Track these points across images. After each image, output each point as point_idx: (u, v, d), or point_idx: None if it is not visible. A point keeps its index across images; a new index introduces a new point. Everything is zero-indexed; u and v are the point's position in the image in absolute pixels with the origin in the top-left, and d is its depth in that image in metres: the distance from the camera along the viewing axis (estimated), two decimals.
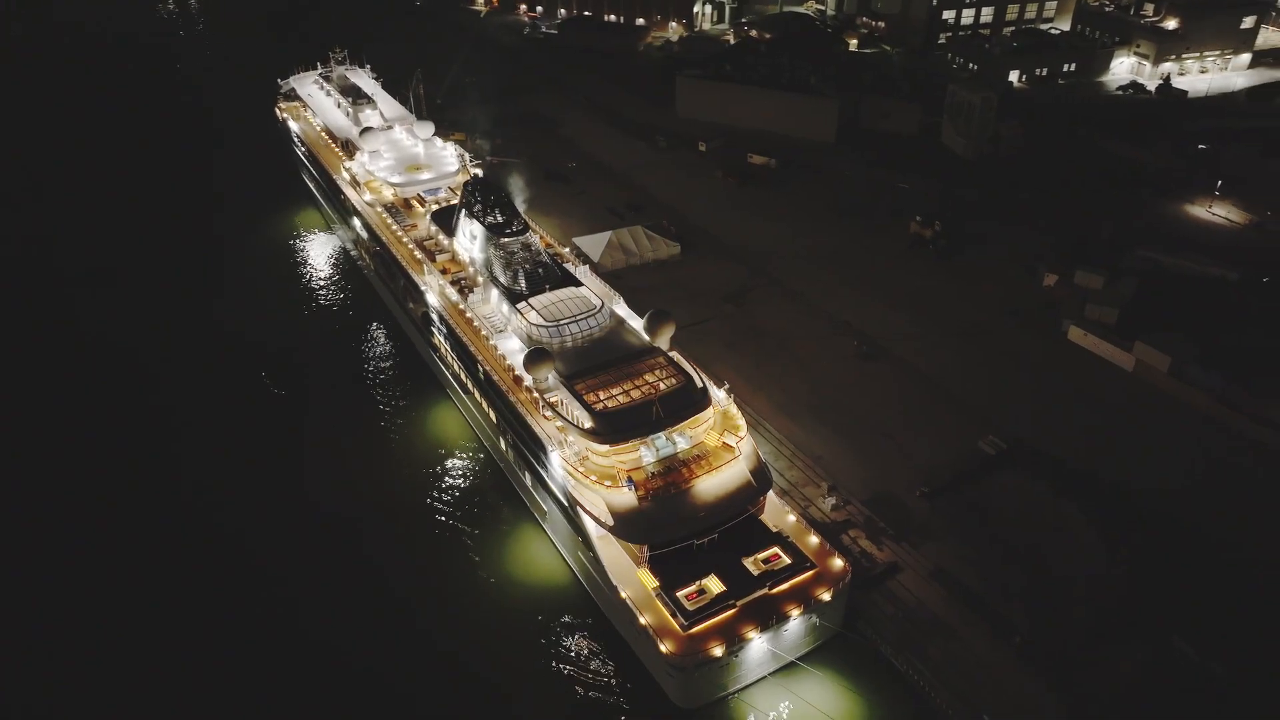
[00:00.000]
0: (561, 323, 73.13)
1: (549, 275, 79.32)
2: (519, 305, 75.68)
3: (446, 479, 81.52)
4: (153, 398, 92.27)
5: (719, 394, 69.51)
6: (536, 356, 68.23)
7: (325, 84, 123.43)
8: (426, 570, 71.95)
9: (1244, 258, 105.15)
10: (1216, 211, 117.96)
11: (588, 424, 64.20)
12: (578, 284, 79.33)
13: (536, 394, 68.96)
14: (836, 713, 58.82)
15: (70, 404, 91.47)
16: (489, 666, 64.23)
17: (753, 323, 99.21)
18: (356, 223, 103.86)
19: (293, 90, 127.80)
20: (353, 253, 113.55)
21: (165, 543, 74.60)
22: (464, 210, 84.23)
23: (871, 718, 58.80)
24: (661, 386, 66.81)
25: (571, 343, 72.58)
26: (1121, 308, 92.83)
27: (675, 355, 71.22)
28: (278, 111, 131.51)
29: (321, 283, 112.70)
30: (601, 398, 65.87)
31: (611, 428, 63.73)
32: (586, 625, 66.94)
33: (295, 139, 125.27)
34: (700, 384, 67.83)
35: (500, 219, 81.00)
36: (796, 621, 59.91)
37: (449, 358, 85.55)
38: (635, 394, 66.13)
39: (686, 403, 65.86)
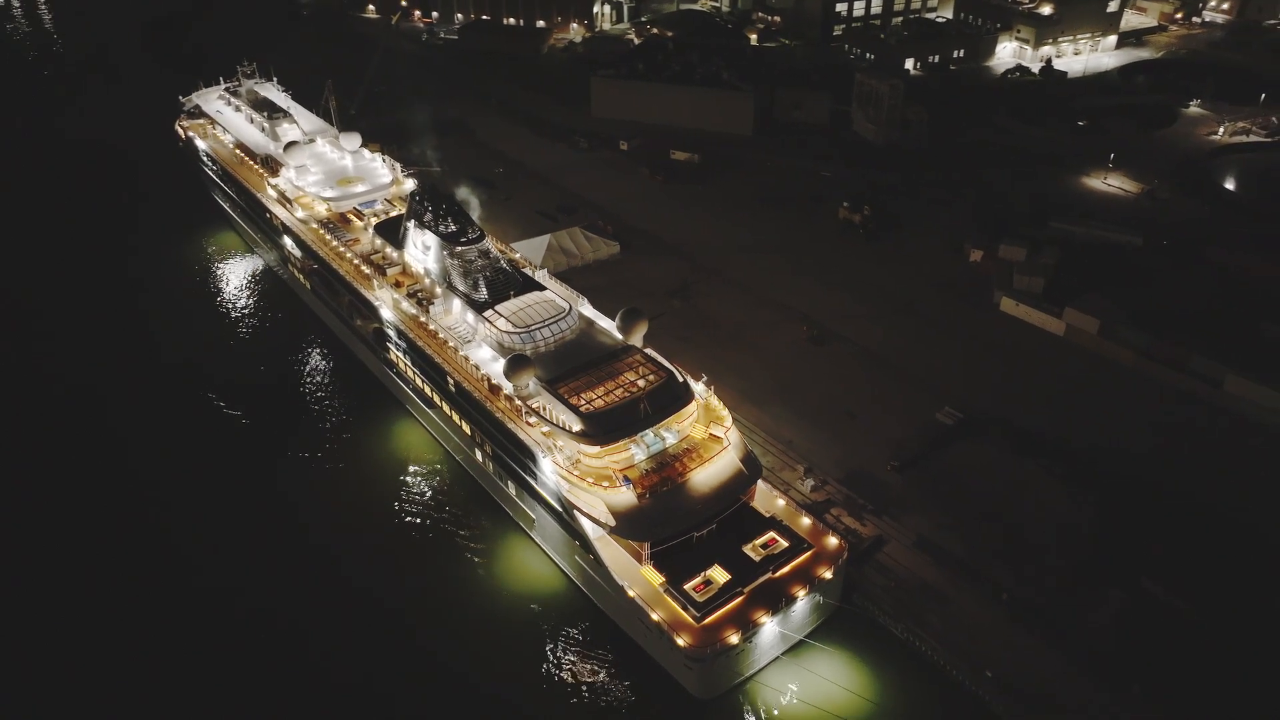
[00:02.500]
0: (532, 328, 72.52)
1: (510, 281, 78.50)
2: (486, 314, 74.58)
3: (420, 497, 79.55)
4: (101, 438, 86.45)
5: (698, 386, 70.31)
6: (517, 363, 67.46)
7: (233, 99, 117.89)
8: (415, 591, 70.10)
9: (1141, 223, 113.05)
10: (1111, 182, 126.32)
11: (577, 426, 63.96)
12: (541, 288, 78.75)
13: (518, 401, 68.16)
14: (849, 684, 60.62)
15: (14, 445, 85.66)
16: (495, 682, 63.25)
17: (701, 315, 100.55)
18: (287, 241, 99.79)
19: (197, 107, 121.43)
20: (281, 273, 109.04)
21: (150, 583, 70.79)
22: (413, 221, 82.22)
23: (882, 685, 60.83)
24: (642, 384, 67.16)
25: (545, 347, 72.08)
26: (1047, 277, 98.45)
27: (651, 352, 71.69)
28: (179, 130, 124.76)
29: (252, 307, 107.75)
30: (586, 399, 65.71)
31: (601, 428, 63.69)
32: (589, 629, 66.68)
33: (204, 158, 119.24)
34: (681, 378, 68.54)
35: (454, 227, 79.52)
36: (802, 601, 61.38)
37: (409, 373, 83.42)
38: (620, 393, 66.28)
39: (671, 398, 66.46)
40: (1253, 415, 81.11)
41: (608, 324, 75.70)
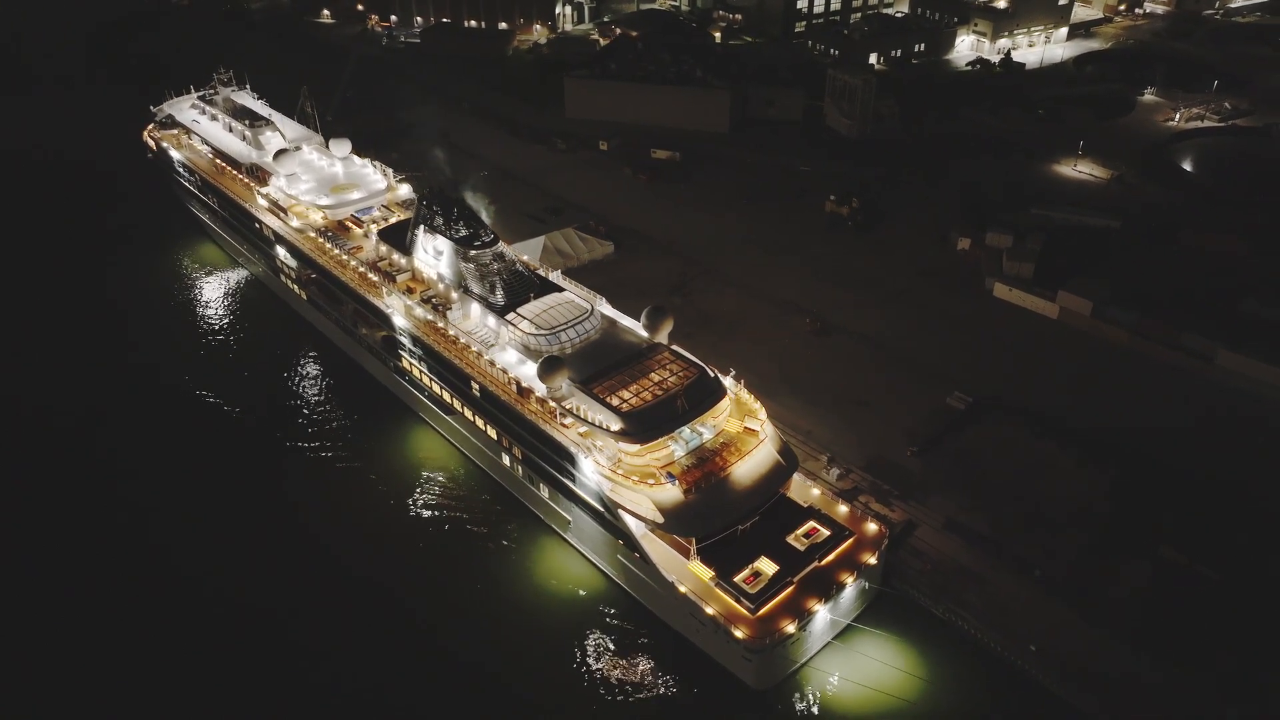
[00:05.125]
0: (558, 329, 72.29)
1: (528, 284, 78.06)
2: (508, 317, 74.09)
3: (444, 504, 78.62)
4: (113, 464, 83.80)
5: (727, 381, 70.89)
6: (551, 365, 67.20)
7: (209, 107, 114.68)
8: (449, 600, 69.38)
9: (1115, 207, 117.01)
10: (1081, 169, 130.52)
11: (616, 426, 64.05)
12: (559, 289, 78.51)
13: (552, 403, 67.94)
14: (899, 664, 61.95)
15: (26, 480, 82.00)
16: (543, 686, 63.07)
17: (702, 311, 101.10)
18: (280, 251, 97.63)
19: (170, 117, 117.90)
20: (272, 284, 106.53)
21: (183, 602, 69.18)
22: (422, 226, 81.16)
23: (930, 663, 62.20)
24: (673, 380, 67.57)
25: (571, 348, 71.92)
26: (1036, 262, 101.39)
27: (678, 348, 72.15)
28: (149, 140, 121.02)
29: (243, 321, 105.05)
30: (623, 398, 65.84)
31: (641, 426, 63.94)
32: (634, 627, 66.75)
33: (179, 169, 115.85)
34: (711, 373, 69.12)
35: (467, 231, 78.76)
36: (850, 587, 62.40)
37: (425, 379, 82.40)
38: (655, 390, 66.58)
39: (705, 393, 67.08)
40: (1245, 388, 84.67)
41: (629, 322, 75.93)
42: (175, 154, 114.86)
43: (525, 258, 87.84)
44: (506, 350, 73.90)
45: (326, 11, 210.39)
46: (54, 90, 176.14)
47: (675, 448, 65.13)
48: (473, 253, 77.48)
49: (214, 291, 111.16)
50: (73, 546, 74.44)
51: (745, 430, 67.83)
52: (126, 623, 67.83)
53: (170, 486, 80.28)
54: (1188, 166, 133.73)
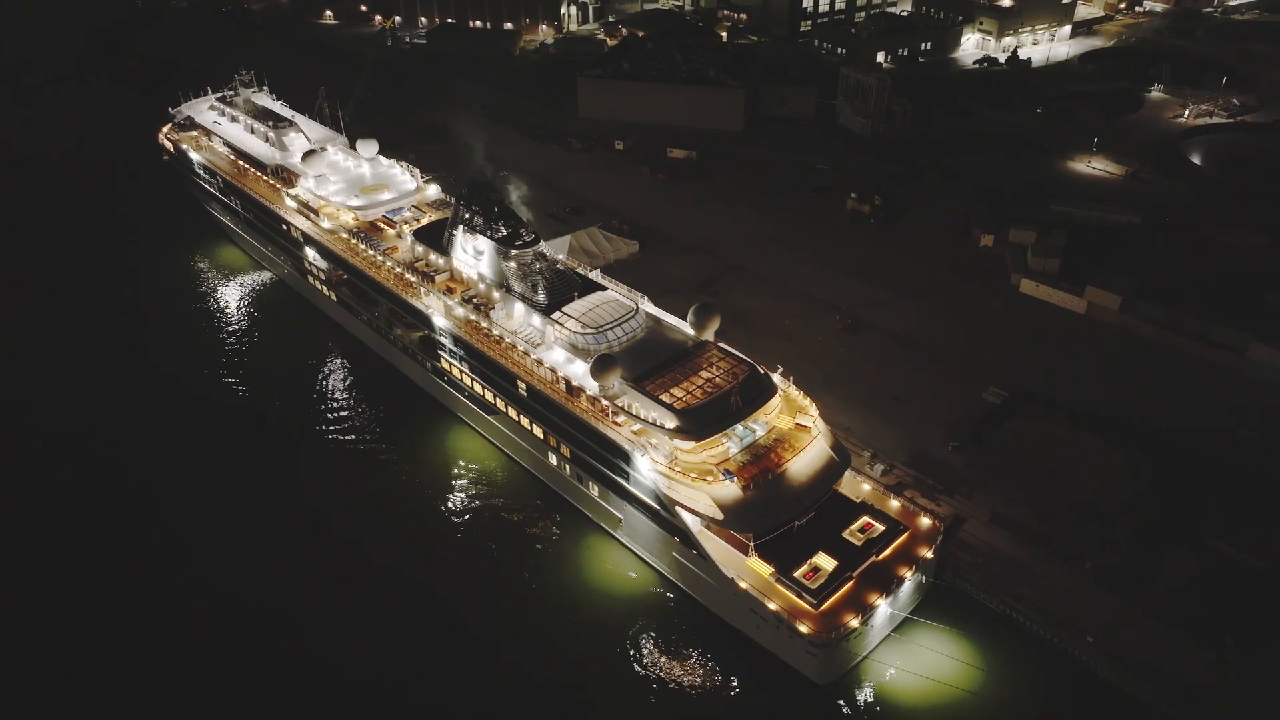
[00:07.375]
0: (604, 328, 72.41)
1: (571, 283, 78.07)
2: (554, 316, 74.10)
3: (488, 504, 78.52)
4: (144, 469, 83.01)
5: (775, 377, 71.14)
6: (604, 363, 67.30)
7: (229, 109, 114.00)
8: (504, 600, 69.26)
9: (1133, 203, 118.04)
10: (1095, 165, 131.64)
11: (672, 423, 64.18)
12: (601, 288, 78.58)
13: (605, 401, 68.01)
14: (957, 655, 62.36)
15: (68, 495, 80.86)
16: (603, 685, 63.11)
17: (733, 308, 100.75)
18: (309, 252, 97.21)
19: (189, 119, 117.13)
20: (298, 286, 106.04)
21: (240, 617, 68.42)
22: (461, 226, 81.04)
23: (987, 654, 62.65)
24: (723, 378, 67.79)
25: (619, 347, 72.04)
26: (1061, 258, 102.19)
27: (725, 346, 72.39)
28: (166, 142, 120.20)
29: (271, 324, 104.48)
30: (675, 395, 66.01)
31: (697, 423, 64.11)
32: (691, 624, 66.90)
33: (199, 170, 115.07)
34: (762, 370, 69.39)
35: (507, 231, 78.69)
36: (909, 581, 62.77)
37: (465, 379, 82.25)
38: (706, 388, 66.77)
39: (758, 390, 67.37)
40: (1277, 380, 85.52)
41: (673, 320, 76.12)
42: (195, 156, 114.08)
43: (561, 257, 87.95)
44: (553, 349, 73.89)
45: (329, 12, 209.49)
46: (56, 91, 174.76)
47: (730, 444, 65.39)
48: (514, 252, 77.40)
49: (238, 294, 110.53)
50: (102, 550, 73.82)
51: (797, 426, 68.11)
52: (169, 622, 67.48)
53: (207, 490, 79.83)
54: (1199, 162, 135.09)
